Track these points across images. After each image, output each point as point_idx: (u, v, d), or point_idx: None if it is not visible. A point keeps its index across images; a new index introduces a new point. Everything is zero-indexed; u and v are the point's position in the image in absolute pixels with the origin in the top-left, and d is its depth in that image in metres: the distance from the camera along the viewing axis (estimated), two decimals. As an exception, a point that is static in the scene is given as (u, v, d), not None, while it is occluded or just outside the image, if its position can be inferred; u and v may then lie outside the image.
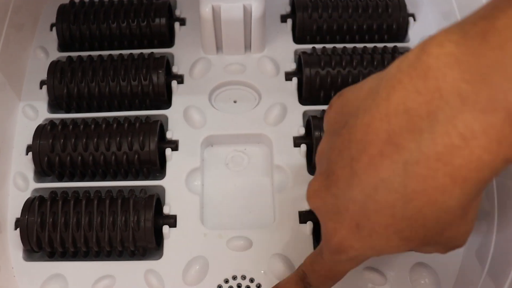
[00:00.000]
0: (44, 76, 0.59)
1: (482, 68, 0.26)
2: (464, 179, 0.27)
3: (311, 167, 0.55)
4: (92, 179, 0.56)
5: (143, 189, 0.54)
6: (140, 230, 0.50)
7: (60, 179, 0.56)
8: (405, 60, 0.29)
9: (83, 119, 0.56)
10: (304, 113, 0.58)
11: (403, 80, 0.29)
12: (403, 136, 0.28)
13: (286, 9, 0.65)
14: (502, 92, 0.26)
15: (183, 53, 0.62)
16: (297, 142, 0.56)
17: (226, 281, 0.51)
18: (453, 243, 0.33)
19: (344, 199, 0.32)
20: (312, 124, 0.54)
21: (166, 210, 0.53)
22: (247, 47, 0.61)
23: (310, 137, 0.55)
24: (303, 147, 0.55)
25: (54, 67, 0.59)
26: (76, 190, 0.53)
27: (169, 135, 0.56)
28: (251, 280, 0.51)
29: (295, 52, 0.62)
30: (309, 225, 0.52)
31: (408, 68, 0.29)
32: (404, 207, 0.29)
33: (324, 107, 0.57)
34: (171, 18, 0.64)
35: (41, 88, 0.60)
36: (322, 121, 0.40)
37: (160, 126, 0.56)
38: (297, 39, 0.63)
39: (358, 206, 0.31)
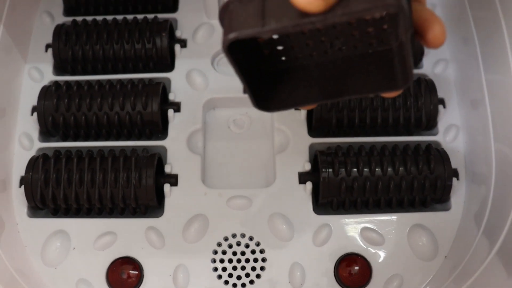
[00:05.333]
0: (49, 40, 0.60)
1: None
2: None
3: (311, 130, 0.56)
4: (96, 139, 0.57)
5: (145, 148, 0.54)
6: (142, 187, 0.51)
7: (65, 139, 0.57)
8: None
9: (87, 81, 0.57)
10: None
11: None
12: None
13: None
14: None
15: (187, 18, 0.63)
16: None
17: (226, 239, 0.51)
18: None
19: None
20: None
21: (168, 169, 0.54)
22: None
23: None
24: (303, 110, 0.56)
25: (59, 30, 0.59)
26: (79, 150, 0.54)
27: (171, 96, 0.57)
28: (250, 238, 0.51)
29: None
30: (308, 185, 0.52)
31: None
32: None
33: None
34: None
35: (46, 51, 0.61)
36: None
37: (163, 88, 0.57)
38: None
39: None
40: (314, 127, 0.55)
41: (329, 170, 0.51)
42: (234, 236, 0.52)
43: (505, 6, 0.48)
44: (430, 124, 0.56)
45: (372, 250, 0.51)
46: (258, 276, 0.50)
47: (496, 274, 0.42)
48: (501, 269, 0.42)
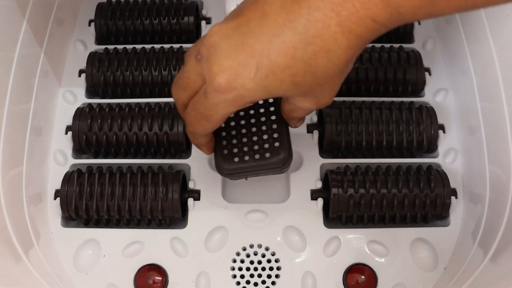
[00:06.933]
0: (82, 65, 0.66)
1: None
2: (349, 30, 0.34)
3: (322, 152, 0.61)
4: (125, 157, 0.62)
5: (170, 166, 0.60)
6: (168, 201, 0.56)
7: (96, 157, 0.62)
8: None
9: (118, 103, 0.62)
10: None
11: None
12: None
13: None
14: None
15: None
16: (310, 128, 0.61)
17: (244, 249, 0.56)
18: (323, 99, 0.40)
19: (252, 37, 0.36)
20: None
21: (191, 185, 0.59)
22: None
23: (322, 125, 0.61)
24: (316, 133, 0.61)
25: (92, 57, 0.65)
26: (110, 166, 0.59)
27: (195, 119, 0.62)
28: (266, 249, 0.56)
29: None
30: (319, 201, 0.57)
31: None
32: (304, 49, 0.35)
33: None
34: (198, 18, 0.71)
35: (79, 76, 0.66)
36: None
37: (187, 111, 0.62)
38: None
39: (264, 44, 0.36)
40: (325, 149, 0.60)
41: (339, 187, 0.56)
42: (251, 246, 0.56)
43: (496, 41, 0.53)
44: (430, 148, 0.61)
45: (378, 261, 0.56)
46: (273, 283, 0.55)
47: (487, 280, 0.46)
48: (492, 276, 0.46)
